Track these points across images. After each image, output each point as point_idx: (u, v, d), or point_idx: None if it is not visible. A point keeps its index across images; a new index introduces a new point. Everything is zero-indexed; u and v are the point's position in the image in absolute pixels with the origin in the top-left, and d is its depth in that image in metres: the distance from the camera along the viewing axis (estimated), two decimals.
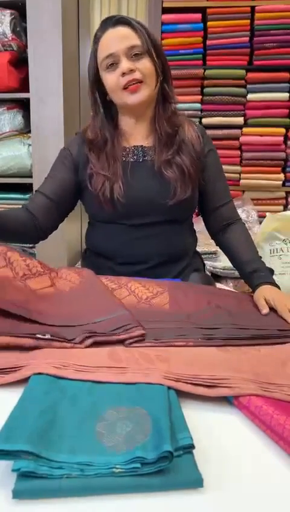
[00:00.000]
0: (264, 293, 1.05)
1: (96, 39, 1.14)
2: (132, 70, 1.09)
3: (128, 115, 1.21)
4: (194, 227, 1.36)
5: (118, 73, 1.10)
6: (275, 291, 1.06)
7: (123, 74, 1.10)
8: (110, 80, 1.12)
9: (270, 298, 1.01)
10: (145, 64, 1.11)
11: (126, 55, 1.10)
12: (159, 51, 1.16)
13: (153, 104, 1.19)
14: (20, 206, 1.25)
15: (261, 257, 1.21)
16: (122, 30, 1.10)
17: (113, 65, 1.11)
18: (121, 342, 0.83)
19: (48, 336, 0.81)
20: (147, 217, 1.19)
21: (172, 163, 1.17)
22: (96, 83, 1.17)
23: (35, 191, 1.27)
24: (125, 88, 1.11)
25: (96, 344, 0.83)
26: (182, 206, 1.20)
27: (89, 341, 0.82)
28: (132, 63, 1.10)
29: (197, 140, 1.22)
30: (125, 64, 1.09)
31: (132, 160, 1.20)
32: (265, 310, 0.99)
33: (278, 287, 1.09)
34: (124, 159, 1.20)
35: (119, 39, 1.10)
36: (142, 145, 1.21)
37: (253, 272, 1.15)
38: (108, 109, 1.21)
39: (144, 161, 1.20)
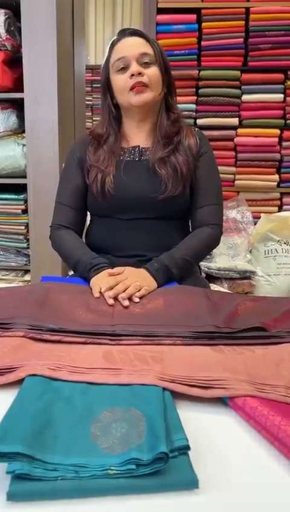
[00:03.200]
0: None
1: (112, 46, 1.24)
2: (140, 74, 1.18)
3: (132, 117, 1.27)
4: None
5: (127, 74, 1.19)
6: (134, 271, 1.13)
7: (132, 76, 1.18)
8: (119, 80, 1.21)
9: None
10: (153, 72, 1.20)
11: (137, 60, 1.19)
12: (168, 66, 1.26)
13: (156, 111, 1.27)
14: (56, 227, 1.33)
15: (184, 256, 1.20)
16: (137, 40, 1.22)
17: (124, 68, 1.20)
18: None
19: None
20: (139, 212, 1.24)
21: (166, 161, 1.23)
22: (107, 86, 1.26)
23: (58, 202, 1.34)
24: (131, 89, 1.19)
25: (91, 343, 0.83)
26: (172, 203, 1.24)
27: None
28: (142, 68, 1.19)
29: (194, 142, 1.27)
30: (135, 67, 1.18)
31: (127, 159, 1.26)
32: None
33: (152, 273, 1.13)
34: (120, 157, 1.27)
35: (133, 46, 1.20)
36: (139, 146, 1.27)
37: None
38: (115, 111, 1.29)
39: (141, 160, 1.26)
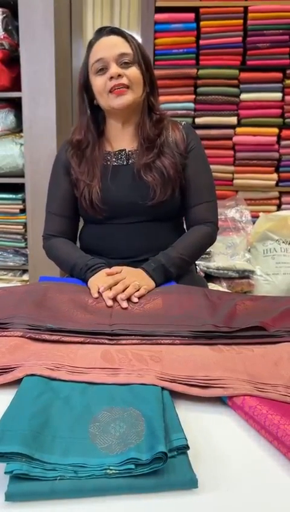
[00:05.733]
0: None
1: (90, 45, 1.20)
2: (119, 76, 1.15)
3: (114, 119, 1.25)
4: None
5: (106, 77, 1.16)
6: (132, 271, 1.12)
7: (111, 78, 1.15)
8: (99, 83, 1.18)
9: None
10: (133, 72, 1.17)
11: (116, 61, 1.16)
12: (149, 64, 1.22)
13: (138, 111, 1.24)
14: (46, 237, 1.33)
15: (181, 255, 1.20)
16: (115, 39, 1.17)
17: (102, 70, 1.17)
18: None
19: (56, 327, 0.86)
20: (130, 218, 1.24)
21: (152, 167, 1.21)
22: (85, 87, 1.23)
23: (48, 211, 1.33)
24: (111, 91, 1.16)
25: (90, 343, 0.83)
26: (163, 206, 1.23)
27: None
28: (121, 69, 1.16)
29: (181, 137, 1.25)
30: (114, 69, 1.15)
31: (115, 164, 1.24)
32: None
33: (149, 273, 1.12)
34: (108, 162, 1.25)
35: (111, 46, 1.16)
36: (125, 149, 1.25)
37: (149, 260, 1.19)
38: (94, 114, 1.26)
39: (128, 164, 1.24)
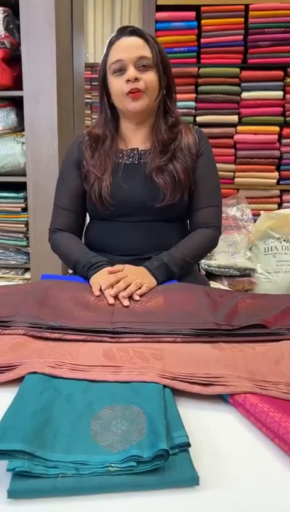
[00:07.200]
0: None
1: (110, 44, 1.21)
2: (136, 79, 1.15)
3: (128, 120, 1.26)
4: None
5: (124, 79, 1.16)
6: (134, 269, 1.13)
7: (128, 81, 1.15)
8: (116, 84, 1.18)
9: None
10: (150, 77, 1.17)
11: (134, 64, 1.16)
12: (167, 67, 1.22)
13: (153, 114, 1.25)
14: (52, 231, 1.34)
15: (184, 256, 1.20)
16: (136, 40, 1.17)
17: (120, 71, 1.17)
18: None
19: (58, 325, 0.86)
20: (137, 216, 1.24)
21: (164, 170, 1.21)
22: (104, 84, 1.24)
23: (56, 205, 1.33)
24: (127, 94, 1.17)
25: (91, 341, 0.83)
26: (171, 209, 1.24)
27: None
28: (139, 72, 1.16)
29: (193, 141, 1.27)
30: (131, 72, 1.15)
31: (127, 162, 1.25)
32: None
33: (151, 271, 1.13)
34: (119, 160, 1.25)
35: (131, 48, 1.16)
36: (138, 148, 1.26)
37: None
38: (111, 111, 1.27)
39: (140, 163, 1.25)
